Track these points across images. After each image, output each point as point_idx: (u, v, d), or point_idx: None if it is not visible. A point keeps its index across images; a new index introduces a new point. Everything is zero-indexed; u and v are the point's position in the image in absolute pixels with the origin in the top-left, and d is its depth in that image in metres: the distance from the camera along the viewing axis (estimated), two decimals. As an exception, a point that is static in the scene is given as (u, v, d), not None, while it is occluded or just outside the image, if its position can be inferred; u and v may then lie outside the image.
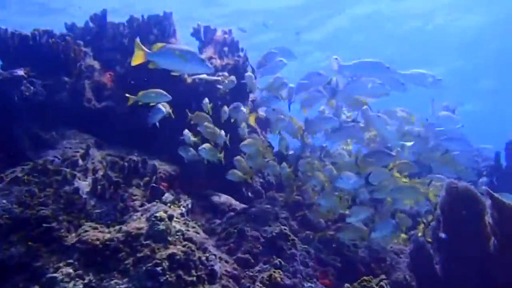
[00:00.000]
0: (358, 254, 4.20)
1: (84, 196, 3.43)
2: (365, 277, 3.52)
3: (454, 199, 2.68)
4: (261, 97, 4.73)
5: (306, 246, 3.63)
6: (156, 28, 5.33)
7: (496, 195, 2.57)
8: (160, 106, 4.11)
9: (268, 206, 3.96)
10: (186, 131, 4.26)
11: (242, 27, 9.81)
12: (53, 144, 4.14)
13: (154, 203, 3.47)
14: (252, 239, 3.48)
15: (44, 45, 4.72)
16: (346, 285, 3.52)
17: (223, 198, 4.39)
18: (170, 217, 3.20)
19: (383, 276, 3.59)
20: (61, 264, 2.88)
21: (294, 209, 5.15)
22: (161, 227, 3.08)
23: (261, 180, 5.33)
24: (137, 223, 3.17)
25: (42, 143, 4.11)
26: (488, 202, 2.62)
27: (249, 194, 4.88)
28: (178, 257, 2.93)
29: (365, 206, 4.04)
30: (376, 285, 3.43)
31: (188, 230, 3.24)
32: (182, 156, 4.44)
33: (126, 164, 4.05)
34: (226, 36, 5.96)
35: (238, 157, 4.31)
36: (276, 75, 4.53)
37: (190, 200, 4.03)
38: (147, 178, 4.09)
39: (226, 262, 3.26)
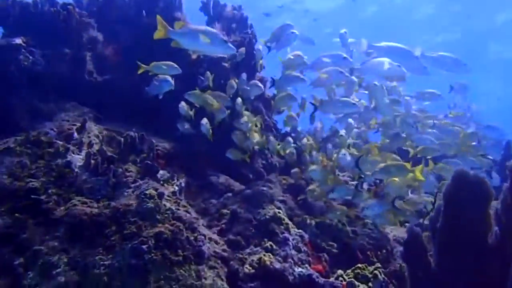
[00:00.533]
0: (357, 241, 4.12)
1: (76, 170, 3.38)
2: (359, 265, 3.45)
3: (460, 187, 2.55)
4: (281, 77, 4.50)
5: (300, 231, 3.55)
6: (162, 1, 5.20)
7: None
8: (168, 77, 4.01)
9: (264, 188, 3.87)
10: (182, 103, 4.14)
11: (267, 12, 9.59)
12: (50, 116, 4.07)
13: (146, 180, 3.40)
14: (244, 221, 3.41)
15: (46, 13, 4.63)
16: (339, 271, 3.46)
17: (222, 178, 4.31)
18: (160, 195, 3.14)
19: (378, 265, 3.51)
20: (47, 237, 2.85)
21: (296, 193, 5.09)
22: (150, 204, 3.02)
23: (263, 162, 5.23)
24: (127, 199, 3.12)
25: (39, 114, 4.04)
26: (505, 184, 2.49)
27: (250, 175, 4.78)
28: (165, 235, 2.87)
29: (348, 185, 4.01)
30: (370, 273, 3.36)
31: (179, 209, 3.17)
32: (184, 134, 4.37)
33: (122, 139, 4.00)
34: (236, 12, 5.83)
35: (238, 132, 4.23)
36: (297, 53, 4.38)
37: (184, 179, 3.97)
38: (144, 155, 4.04)
39: (216, 243, 3.20)
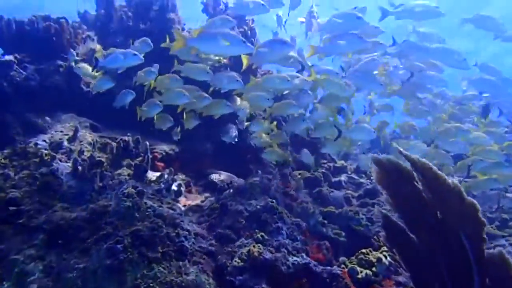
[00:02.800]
0: (371, 228, 3.86)
1: (62, 177, 3.31)
2: (363, 250, 3.20)
3: (385, 173, 2.37)
4: None
5: (298, 220, 3.34)
6: (155, 5, 5.16)
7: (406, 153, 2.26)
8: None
9: (256, 179, 3.67)
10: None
11: None
12: (46, 129, 4.06)
13: (130, 180, 3.29)
14: (234, 213, 3.23)
15: (40, 29, 4.67)
16: (342, 258, 3.22)
17: (224, 175, 4.15)
18: (140, 193, 3.02)
19: (384, 248, 3.25)
20: (25, 246, 2.78)
21: (313, 185, 4.89)
22: (127, 203, 2.90)
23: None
24: (106, 200, 3.02)
25: (34, 128, 4.03)
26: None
27: (258, 170, 4.60)
28: (142, 233, 2.74)
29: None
30: (374, 258, 3.10)
31: (161, 206, 3.04)
32: (187, 137, 4.26)
33: (114, 144, 3.93)
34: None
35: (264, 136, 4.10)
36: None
37: (182, 179, 3.86)
38: (139, 158, 3.95)
39: (203, 237, 3.03)
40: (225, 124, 4.09)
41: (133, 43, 3.89)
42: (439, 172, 2.18)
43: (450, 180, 2.17)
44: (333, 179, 5.48)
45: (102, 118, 4.52)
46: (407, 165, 2.45)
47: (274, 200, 3.33)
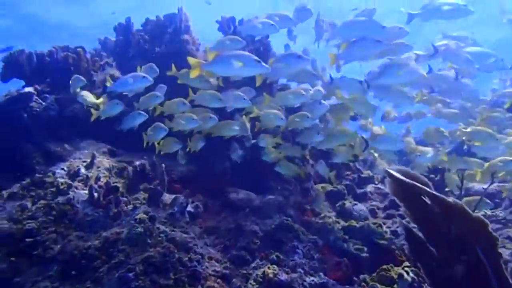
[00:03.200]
0: (395, 242, 3.73)
1: (78, 205, 3.34)
2: (384, 266, 3.09)
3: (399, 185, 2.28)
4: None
5: (315, 237, 3.25)
6: (170, 27, 5.20)
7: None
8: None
9: (271, 197, 3.60)
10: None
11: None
12: (65, 157, 4.11)
13: (143, 206, 3.29)
14: (249, 233, 3.18)
15: (59, 60, 4.78)
16: (362, 276, 3.12)
17: (242, 194, 4.10)
18: (152, 219, 3.01)
19: (406, 263, 3.13)
20: (40, 278, 2.79)
21: (335, 198, 4.79)
22: (139, 229, 2.89)
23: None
24: (119, 227, 3.02)
25: (53, 156, 4.08)
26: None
27: (278, 187, 4.54)
28: (153, 260, 2.72)
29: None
30: (396, 274, 2.99)
31: (174, 231, 3.02)
32: (204, 158, 4.25)
33: (130, 168, 3.94)
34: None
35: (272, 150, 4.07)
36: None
37: (198, 200, 3.84)
38: (156, 181, 3.96)
39: (217, 261, 2.99)
40: (231, 143, 4.06)
41: (141, 69, 3.91)
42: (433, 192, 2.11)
43: (450, 199, 2.09)
44: (358, 191, 5.37)
45: (121, 143, 4.55)
46: (419, 177, 2.37)
47: (289, 218, 3.26)
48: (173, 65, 3.89)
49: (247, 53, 3.27)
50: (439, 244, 2.33)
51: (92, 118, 3.88)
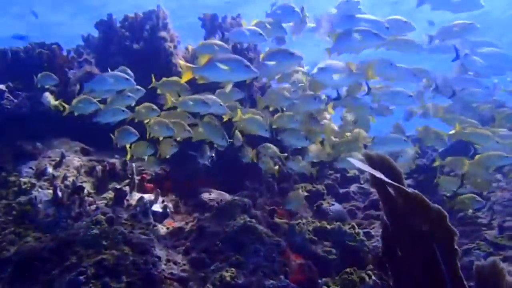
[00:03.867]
0: (366, 245, 3.64)
1: (40, 205, 3.28)
2: (347, 269, 3.01)
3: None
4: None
5: (278, 239, 3.17)
6: (148, 24, 5.13)
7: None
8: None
9: (236, 198, 3.53)
10: None
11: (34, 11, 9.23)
12: (36, 155, 4.04)
13: (105, 206, 3.23)
14: (211, 235, 3.11)
15: (34, 56, 4.71)
16: (324, 279, 3.04)
17: (214, 194, 4.02)
18: (110, 220, 2.94)
19: (370, 267, 3.06)
20: (-8, 280, 2.74)
21: (314, 198, 4.71)
22: (95, 231, 2.83)
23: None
24: (77, 229, 2.95)
25: (24, 155, 4.01)
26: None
27: (257, 186, 4.48)
28: (106, 263, 2.65)
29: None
30: (358, 277, 2.91)
31: (132, 232, 2.95)
32: (180, 158, 4.17)
33: (100, 167, 3.88)
34: (233, 21, 5.65)
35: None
36: None
37: (167, 200, 3.78)
38: (127, 180, 3.90)
39: (175, 263, 2.92)
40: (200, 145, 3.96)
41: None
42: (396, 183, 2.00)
43: (410, 190, 1.99)
44: (341, 190, 5.29)
45: (96, 141, 4.47)
46: (394, 167, 2.27)
47: (253, 220, 3.19)
48: (153, 76, 3.76)
49: (239, 57, 3.14)
50: (402, 240, 2.23)
51: (64, 114, 3.75)
